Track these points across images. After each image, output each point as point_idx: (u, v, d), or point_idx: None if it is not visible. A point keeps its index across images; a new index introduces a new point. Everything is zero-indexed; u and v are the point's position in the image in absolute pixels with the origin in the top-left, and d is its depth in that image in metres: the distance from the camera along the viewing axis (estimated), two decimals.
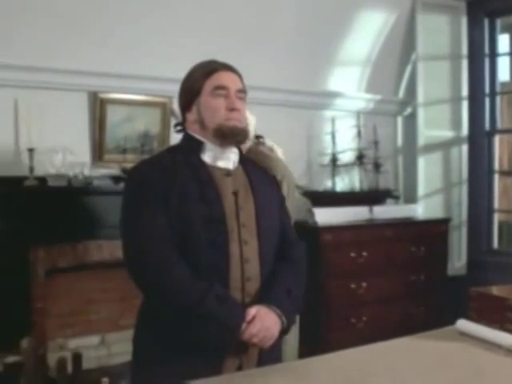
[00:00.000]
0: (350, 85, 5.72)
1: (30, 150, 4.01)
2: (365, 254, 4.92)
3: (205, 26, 4.63)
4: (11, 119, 4.11)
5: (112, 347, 4.54)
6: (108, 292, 4.47)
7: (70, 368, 4.19)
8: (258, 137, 2.92)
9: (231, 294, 2.06)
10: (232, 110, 2.15)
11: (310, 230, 4.70)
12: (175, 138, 4.42)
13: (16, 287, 3.93)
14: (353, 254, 4.87)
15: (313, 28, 5.19)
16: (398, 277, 5.14)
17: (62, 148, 4.11)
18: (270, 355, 2.14)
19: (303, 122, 5.39)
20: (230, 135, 2.15)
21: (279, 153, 3.58)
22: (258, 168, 2.36)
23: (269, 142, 2.96)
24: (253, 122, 2.89)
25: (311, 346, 3.97)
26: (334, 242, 4.80)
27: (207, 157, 2.18)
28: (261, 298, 2.11)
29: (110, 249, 4.13)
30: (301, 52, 5.21)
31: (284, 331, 2.14)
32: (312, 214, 4.87)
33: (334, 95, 5.62)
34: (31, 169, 4.02)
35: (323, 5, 5.11)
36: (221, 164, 2.19)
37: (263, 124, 4.71)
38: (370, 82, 5.77)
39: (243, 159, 2.28)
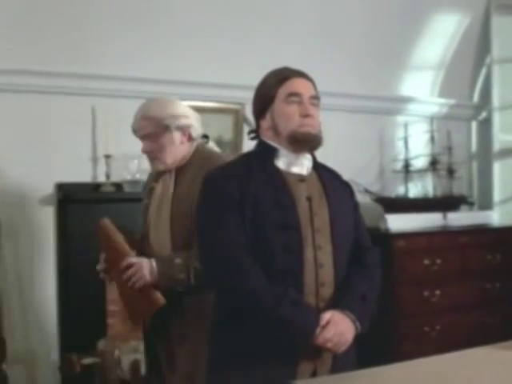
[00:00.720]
0: (422, 89, 5.65)
1: (107, 157, 4.12)
2: (438, 261, 4.83)
3: (276, 33, 4.66)
4: (89, 127, 4.23)
5: None
6: None
7: (143, 370, 4.26)
8: (205, 136, 2.85)
9: (305, 299, 2.07)
10: (305, 116, 2.17)
11: (382, 237, 4.65)
12: (248, 144, 4.48)
13: (92, 290, 4.03)
14: (426, 261, 4.80)
15: (385, 32, 5.15)
16: (472, 285, 5.03)
17: (137, 154, 4.19)
18: (344, 361, 2.13)
19: (375, 127, 5.35)
20: (303, 141, 2.17)
21: None
22: (331, 173, 2.36)
23: (210, 143, 2.91)
24: (199, 118, 2.80)
25: (384, 354, 3.92)
26: (407, 248, 4.74)
27: (281, 163, 2.20)
28: (335, 303, 2.11)
29: None
30: (373, 57, 5.18)
31: (358, 337, 2.13)
32: (384, 221, 4.82)
33: (407, 100, 5.56)
34: (108, 175, 4.13)
35: (395, 8, 5.07)
36: (295, 170, 2.20)
37: (335, 130, 4.72)
38: (444, 86, 5.68)
39: (317, 165, 2.29)
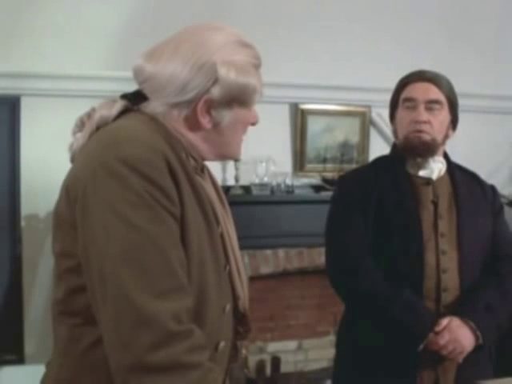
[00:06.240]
0: None
1: (236, 161, 4.20)
2: None
3: (403, 34, 4.58)
4: None
5: (309, 353, 4.62)
6: (307, 298, 4.55)
7: (268, 370, 4.34)
8: None
9: (424, 303, 2.05)
10: (416, 122, 2.14)
11: None
12: (375, 147, 4.46)
13: None
14: None
15: None
16: None
17: (265, 158, 4.26)
18: (472, 371, 2.07)
19: (507, 128, 5.16)
20: (409, 148, 2.16)
21: None
22: (469, 177, 2.31)
23: None
24: None
25: None
26: None
27: (409, 166, 2.20)
28: (456, 309, 2.07)
29: (311, 256, 4.24)
30: (507, 54, 4.99)
31: (480, 347, 2.07)
32: None
33: None
34: (237, 178, 4.22)
35: None
36: (422, 173, 2.19)
37: (464, 132, 4.58)
38: None
39: (452, 168, 2.25)
